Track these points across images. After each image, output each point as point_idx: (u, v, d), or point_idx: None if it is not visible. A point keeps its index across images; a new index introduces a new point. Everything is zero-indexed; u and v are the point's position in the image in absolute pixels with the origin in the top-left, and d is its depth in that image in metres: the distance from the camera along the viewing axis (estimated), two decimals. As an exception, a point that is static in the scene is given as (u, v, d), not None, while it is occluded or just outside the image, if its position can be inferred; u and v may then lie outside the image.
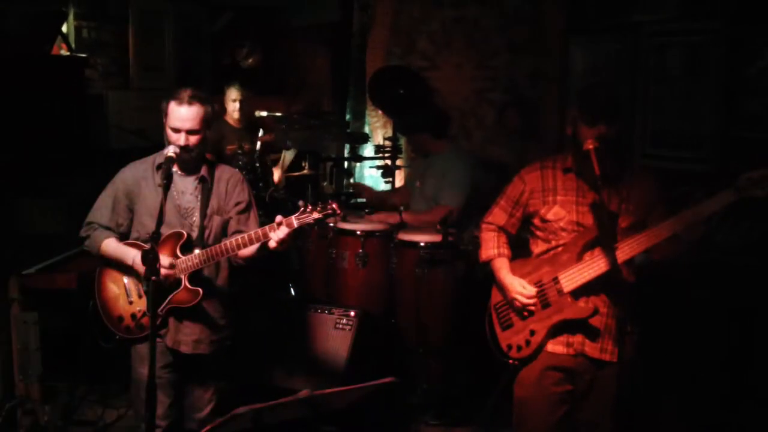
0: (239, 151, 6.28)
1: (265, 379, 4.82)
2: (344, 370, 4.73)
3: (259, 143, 6.70)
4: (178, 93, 3.71)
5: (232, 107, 6.90)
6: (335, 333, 4.84)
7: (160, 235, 3.47)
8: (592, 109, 3.35)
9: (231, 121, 6.96)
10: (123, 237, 3.88)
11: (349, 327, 4.82)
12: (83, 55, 6.82)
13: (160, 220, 3.41)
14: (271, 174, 6.59)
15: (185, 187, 3.85)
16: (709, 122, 4.65)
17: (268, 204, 6.09)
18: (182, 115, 3.67)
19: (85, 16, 7.22)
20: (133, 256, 3.73)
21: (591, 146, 3.28)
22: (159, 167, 3.80)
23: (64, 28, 6.83)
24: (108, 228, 3.86)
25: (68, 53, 6.80)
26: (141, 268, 3.59)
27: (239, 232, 3.82)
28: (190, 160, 3.79)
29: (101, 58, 7.35)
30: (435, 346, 5.09)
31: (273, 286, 5.82)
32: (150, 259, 3.27)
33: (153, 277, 3.26)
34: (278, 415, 3.02)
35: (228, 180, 3.92)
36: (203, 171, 3.85)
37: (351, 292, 5.27)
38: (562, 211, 3.52)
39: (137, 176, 3.87)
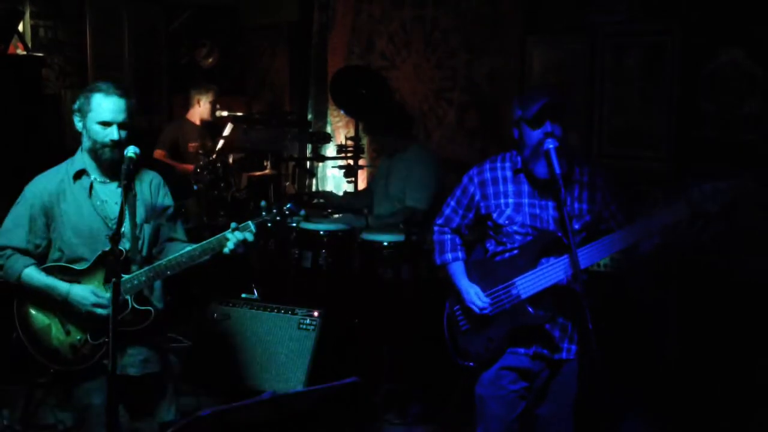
0: (201, 151, 6.25)
1: (229, 381, 4.80)
2: (308, 370, 4.73)
3: (220, 142, 6.67)
4: (101, 85, 3.42)
5: (206, 108, 6.90)
6: (299, 333, 4.83)
7: (121, 235, 3.21)
8: (536, 109, 3.33)
9: (194, 120, 6.93)
10: (40, 259, 3.48)
11: (312, 327, 4.82)
12: (40, 55, 6.74)
13: (120, 220, 3.18)
14: (234, 174, 6.56)
15: (107, 195, 3.50)
16: (666, 121, 4.72)
17: (230, 204, 6.07)
18: (114, 106, 3.37)
19: (42, 15, 7.15)
20: (67, 289, 3.40)
21: (551, 146, 3.26)
22: (77, 176, 3.48)
23: (20, 27, 6.75)
24: (25, 251, 3.46)
25: (24, 52, 6.71)
26: (81, 302, 3.37)
27: (171, 239, 3.64)
28: (120, 159, 3.37)
29: (58, 58, 7.28)
30: (398, 346, 5.11)
31: (236, 287, 5.79)
32: (111, 261, 3.12)
33: (114, 279, 3.04)
34: (242, 417, 3.01)
35: (150, 183, 3.62)
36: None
37: (314, 293, 5.26)
38: (514, 214, 3.45)
39: (53, 190, 3.47)
